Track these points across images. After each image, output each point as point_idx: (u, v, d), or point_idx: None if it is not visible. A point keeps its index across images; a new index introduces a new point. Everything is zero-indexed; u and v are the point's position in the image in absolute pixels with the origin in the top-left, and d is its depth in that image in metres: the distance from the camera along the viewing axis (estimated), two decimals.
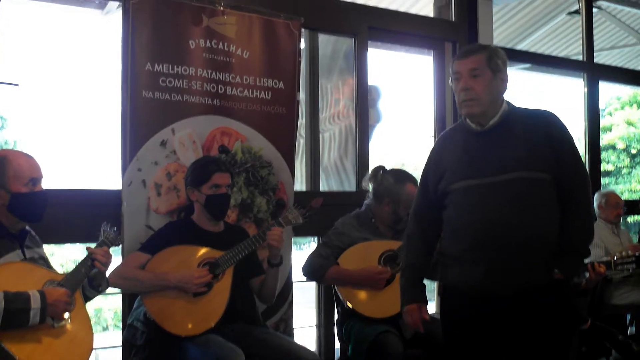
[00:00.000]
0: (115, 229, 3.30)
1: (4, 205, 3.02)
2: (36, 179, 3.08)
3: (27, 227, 3.18)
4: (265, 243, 3.70)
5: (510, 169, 2.93)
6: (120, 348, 3.97)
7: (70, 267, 3.42)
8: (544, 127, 2.98)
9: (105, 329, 10.99)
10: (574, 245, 2.95)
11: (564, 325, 3.00)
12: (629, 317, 6.01)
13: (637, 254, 4.66)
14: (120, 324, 3.95)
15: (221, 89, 4.19)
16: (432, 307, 6.20)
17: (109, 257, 3.15)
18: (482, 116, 3.00)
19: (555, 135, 2.96)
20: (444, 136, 3.25)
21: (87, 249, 3.12)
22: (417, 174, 4.25)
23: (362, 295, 4.03)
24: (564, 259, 2.93)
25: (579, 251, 3.00)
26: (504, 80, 3.00)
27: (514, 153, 2.95)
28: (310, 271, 4.10)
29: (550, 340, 2.94)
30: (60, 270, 3.09)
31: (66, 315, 2.96)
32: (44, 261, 3.17)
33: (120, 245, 3.74)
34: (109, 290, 3.81)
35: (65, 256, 10.15)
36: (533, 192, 2.92)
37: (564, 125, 3.02)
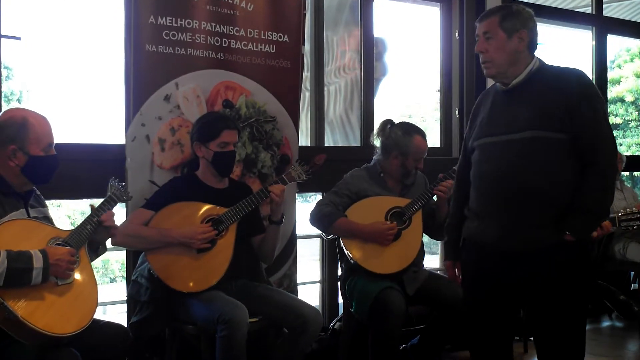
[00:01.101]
0: (123, 184, 3.28)
1: (18, 167, 3.03)
2: (51, 143, 3.10)
3: (34, 187, 3.17)
4: (267, 199, 3.69)
5: (524, 128, 2.96)
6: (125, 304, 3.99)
7: (78, 219, 3.41)
8: (565, 85, 2.96)
9: (112, 280, 11.07)
10: (587, 206, 2.93)
11: (579, 283, 3.01)
12: (632, 274, 6.03)
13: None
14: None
15: (225, 42, 4.13)
16: (436, 262, 6.24)
17: (113, 217, 3.15)
18: (502, 76, 3.06)
19: (572, 94, 2.93)
20: (482, 94, 3.31)
21: (91, 207, 3.11)
22: (424, 127, 4.22)
23: (367, 250, 4.03)
24: (576, 219, 2.93)
25: (593, 212, 2.96)
26: (523, 39, 3.00)
27: (530, 112, 2.97)
28: (319, 218, 4.07)
29: (565, 297, 2.97)
30: (67, 221, 3.07)
31: (70, 273, 2.96)
32: (47, 220, 3.16)
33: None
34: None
35: (71, 207, 10.17)
36: (545, 152, 2.94)
37: (586, 84, 2.98)
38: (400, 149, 4.11)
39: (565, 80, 2.98)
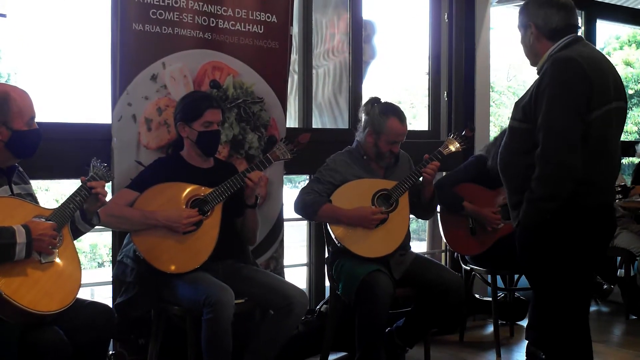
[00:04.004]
0: (105, 164, 3.26)
1: (2, 142, 3.00)
2: (33, 117, 3.08)
3: (16, 163, 3.15)
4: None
5: (511, 117, 3.16)
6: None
7: None
8: (542, 74, 3.02)
9: (100, 265, 11.01)
10: (530, 194, 3.01)
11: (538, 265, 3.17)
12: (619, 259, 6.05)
13: (618, 187, 4.68)
14: None
15: (213, 22, 4.09)
16: (422, 247, 6.25)
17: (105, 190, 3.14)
18: (535, 66, 3.20)
19: (541, 83, 3.00)
20: None
21: (82, 179, 3.08)
22: (413, 111, 4.21)
23: (354, 234, 4.02)
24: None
25: (529, 200, 3.02)
26: (532, 32, 3.13)
27: (519, 102, 3.12)
28: (303, 207, 4.07)
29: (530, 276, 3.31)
30: (56, 205, 3.06)
31: (54, 250, 2.94)
32: (31, 198, 3.15)
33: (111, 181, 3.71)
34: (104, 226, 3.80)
35: (59, 192, 10.11)
36: (514, 141, 3.11)
37: (554, 72, 2.96)
38: (374, 127, 4.10)
39: (544, 69, 3.03)
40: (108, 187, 3.68)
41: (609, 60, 3.14)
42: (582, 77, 2.91)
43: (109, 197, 3.64)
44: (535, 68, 3.18)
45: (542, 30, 3.10)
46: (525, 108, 3.03)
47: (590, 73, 2.93)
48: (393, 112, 4.10)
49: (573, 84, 2.91)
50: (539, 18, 3.09)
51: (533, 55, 3.18)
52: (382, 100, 4.20)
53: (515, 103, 3.17)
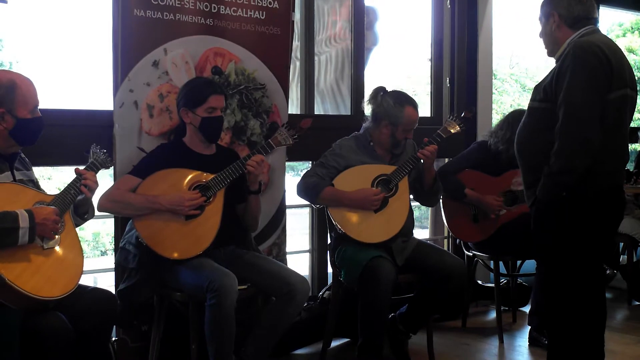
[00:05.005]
0: (104, 151, 3.26)
1: (6, 130, 3.01)
2: (37, 105, 3.09)
3: (19, 150, 3.15)
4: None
5: (531, 99, 3.26)
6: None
7: None
8: (563, 57, 3.10)
9: (103, 253, 11.03)
10: (548, 169, 3.09)
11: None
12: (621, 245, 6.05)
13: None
14: None
15: (214, 7, 4.08)
16: (425, 234, 6.25)
17: (96, 183, 3.13)
18: (553, 56, 3.29)
19: (562, 65, 3.07)
20: None
21: (76, 170, 3.09)
22: (416, 99, 4.20)
23: (355, 219, 4.01)
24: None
25: (547, 174, 3.10)
26: (555, 21, 3.24)
27: (540, 84, 3.22)
28: (305, 189, 4.07)
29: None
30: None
31: (56, 235, 2.95)
32: (33, 184, 3.15)
33: (112, 168, 3.71)
34: (107, 214, 3.80)
35: (62, 180, 10.11)
36: (534, 120, 3.20)
37: (576, 54, 3.04)
38: (390, 119, 4.08)
39: (565, 54, 3.11)
40: (110, 173, 3.70)
41: (623, 52, 3.22)
42: (602, 60, 3.02)
43: (110, 184, 3.66)
44: (554, 58, 3.26)
45: (564, 19, 3.22)
46: (546, 88, 3.12)
47: (611, 57, 3.04)
48: (407, 100, 4.10)
49: (594, 65, 3.02)
50: (562, 7, 3.23)
51: (553, 43, 3.27)
52: (389, 90, 4.18)
53: (535, 86, 3.27)
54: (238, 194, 3.75)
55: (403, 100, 4.10)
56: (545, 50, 3.36)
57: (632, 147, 9.49)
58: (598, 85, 3.01)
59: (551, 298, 3.30)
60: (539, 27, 3.34)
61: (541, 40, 3.36)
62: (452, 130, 4.15)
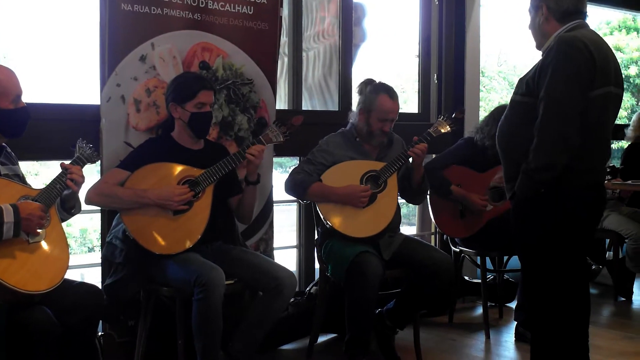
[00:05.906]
0: (90, 145, 3.25)
1: None
2: (19, 95, 3.06)
3: (4, 144, 3.13)
4: (245, 161, 3.66)
5: (514, 92, 3.22)
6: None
7: None
8: (547, 51, 3.08)
9: (90, 249, 10.97)
10: (526, 165, 3.06)
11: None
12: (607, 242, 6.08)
13: (607, 168, 4.69)
14: None
15: (202, 2, 4.06)
16: (412, 231, 6.26)
17: (82, 177, 3.11)
18: (540, 49, 3.25)
19: (546, 59, 3.05)
20: None
21: (62, 165, 3.07)
22: (404, 96, 4.21)
23: (343, 214, 4.02)
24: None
25: (525, 171, 3.07)
26: (543, 13, 3.19)
27: (523, 77, 3.18)
28: (292, 186, 4.07)
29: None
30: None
31: (41, 230, 2.93)
32: (19, 179, 3.13)
33: (98, 162, 3.69)
34: (94, 210, 3.78)
35: (49, 176, 10.03)
36: (516, 114, 3.17)
37: (559, 49, 3.01)
38: (364, 105, 4.11)
39: (550, 47, 3.08)
40: (96, 168, 3.68)
41: (611, 49, 3.19)
42: (586, 56, 2.97)
43: (97, 178, 3.64)
44: (540, 51, 3.23)
45: (552, 12, 3.17)
46: (528, 82, 3.09)
47: (595, 54, 2.99)
48: (383, 89, 4.10)
49: (577, 61, 2.97)
50: (551, 0, 3.17)
51: (540, 36, 3.24)
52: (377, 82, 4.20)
53: (520, 79, 3.22)
54: (227, 190, 3.75)
55: (380, 88, 4.12)
56: (534, 43, 3.32)
57: (618, 144, 9.53)
58: (580, 81, 2.96)
59: (531, 294, 3.31)
60: (528, 20, 3.31)
61: (530, 34, 3.33)
62: (443, 130, 4.18)
